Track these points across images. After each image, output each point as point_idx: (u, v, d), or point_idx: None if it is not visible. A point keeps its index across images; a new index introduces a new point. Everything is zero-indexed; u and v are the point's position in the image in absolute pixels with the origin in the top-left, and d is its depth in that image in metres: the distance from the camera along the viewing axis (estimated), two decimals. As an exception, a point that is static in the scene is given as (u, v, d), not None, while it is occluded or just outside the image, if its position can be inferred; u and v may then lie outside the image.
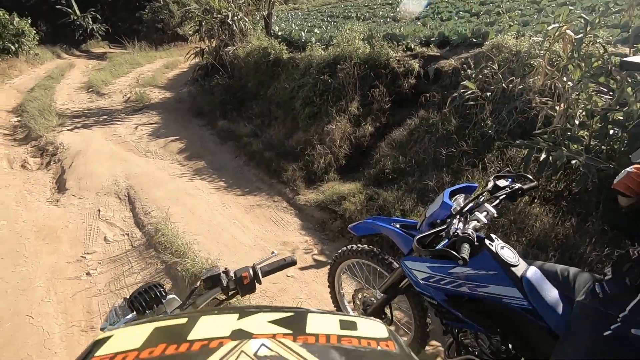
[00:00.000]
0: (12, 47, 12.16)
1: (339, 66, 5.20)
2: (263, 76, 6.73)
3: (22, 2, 19.53)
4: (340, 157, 4.49)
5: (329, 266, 2.17)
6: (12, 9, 13.38)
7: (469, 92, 3.74)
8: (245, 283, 1.01)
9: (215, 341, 0.46)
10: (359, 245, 2.01)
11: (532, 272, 1.35)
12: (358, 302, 2.07)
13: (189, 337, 0.47)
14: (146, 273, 2.89)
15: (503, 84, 3.73)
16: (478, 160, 3.35)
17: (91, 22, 19.38)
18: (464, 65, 4.32)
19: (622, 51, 3.67)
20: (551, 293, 1.30)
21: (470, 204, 1.50)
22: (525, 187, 1.59)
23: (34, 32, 13.26)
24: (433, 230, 1.35)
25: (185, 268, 2.74)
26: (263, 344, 0.45)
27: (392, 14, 10.11)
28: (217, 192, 4.30)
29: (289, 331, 0.49)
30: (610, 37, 4.03)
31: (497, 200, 1.52)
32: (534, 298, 1.29)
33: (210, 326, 0.50)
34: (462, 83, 3.77)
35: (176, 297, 1.02)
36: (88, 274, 2.87)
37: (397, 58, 5.13)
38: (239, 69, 7.43)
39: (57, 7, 18.66)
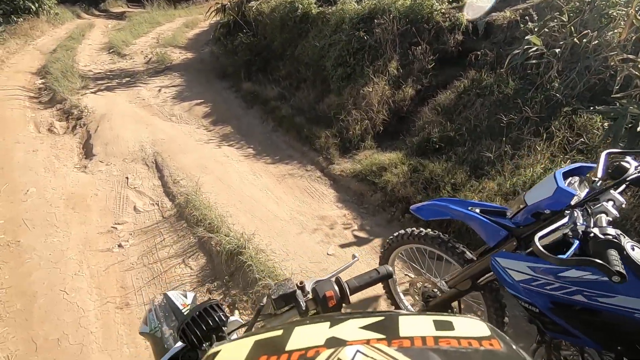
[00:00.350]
0: (33, 7, 11.89)
1: (375, 21, 4.67)
2: (290, 34, 6.23)
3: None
4: (377, 123, 4.13)
5: (381, 249, 1.93)
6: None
7: (532, 49, 3.24)
8: (330, 305, 0.75)
9: (311, 350, 0.46)
10: (422, 229, 1.74)
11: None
12: (416, 293, 1.84)
13: (287, 348, 0.48)
14: (179, 246, 2.75)
15: (574, 39, 3.20)
16: (543, 129, 2.94)
17: (109, -21, 18.71)
18: (525, 18, 3.74)
19: None
20: (702, 309, 1.00)
21: (580, 188, 1.18)
22: (656, 168, 1.25)
23: (52, -11, 12.90)
24: (555, 226, 1.05)
25: (219, 243, 2.57)
26: (358, 351, 0.45)
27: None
28: (246, 159, 4.07)
29: (383, 336, 0.48)
30: None
31: (623, 186, 1.19)
32: (679, 315, 1.00)
33: (305, 336, 0.51)
34: (526, 38, 3.26)
35: (238, 319, 0.79)
36: (120, 245, 2.76)
37: (442, 11, 4.56)
38: (264, 26, 6.92)
39: (74, -37, 18.05)
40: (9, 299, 2.24)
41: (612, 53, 3.03)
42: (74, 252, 2.65)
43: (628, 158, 1.24)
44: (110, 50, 9.24)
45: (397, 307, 1.99)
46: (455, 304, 1.66)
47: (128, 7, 18.80)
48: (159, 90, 6.30)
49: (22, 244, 2.70)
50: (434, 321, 0.52)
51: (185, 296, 1.17)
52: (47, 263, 2.53)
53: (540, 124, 2.99)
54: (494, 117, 3.26)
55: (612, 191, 1.14)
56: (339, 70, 4.88)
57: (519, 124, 3.08)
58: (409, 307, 1.96)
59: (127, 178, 3.66)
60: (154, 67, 7.70)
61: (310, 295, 0.77)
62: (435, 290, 1.70)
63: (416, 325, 0.51)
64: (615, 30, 3.13)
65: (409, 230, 1.77)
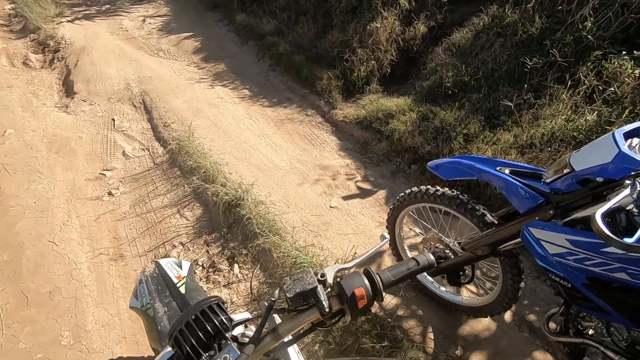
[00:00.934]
0: None
1: (387, -58, 4.07)
2: (288, -44, 5.51)
3: None
4: (384, 64, 3.79)
5: (391, 207, 1.79)
6: None
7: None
8: (361, 306, 0.60)
9: None
10: (438, 188, 1.59)
11: None
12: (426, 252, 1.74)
13: None
14: (173, 195, 2.60)
15: (616, -31, 2.79)
16: (569, 75, 2.67)
17: None
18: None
19: None
20: None
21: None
22: None
23: None
24: (617, 199, 0.89)
25: (216, 194, 2.42)
26: None
27: None
28: (241, 102, 3.78)
29: None
30: None
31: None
32: None
33: None
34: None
35: (246, 314, 0.65)
36: (110, 193, 2.61)
37: None
38: (258, -54, 6.10)
39: None
40: (-7, 250, 2.14)
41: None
42: (60, 201, 2.50)
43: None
44: (86, -28, 8.24)
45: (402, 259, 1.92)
46: (468, 269, 1.58)
47: None
48: (143, 21, 5.71)
49: (3, 191, 2.53)
50: None
51: (180, 266, 1.04)
52: (33, 212, 2.38)
53: (566, 69, 2.72)
54: (515, 60, 2.96)
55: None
56: (343, 1, 4.37)
57: (543, 69, 2.80)
58: None
59: (113, 120, 3.40)
60: (136, -8, 6.93)
61: (333, 290, 0.62)
62: (448, 251, 1.60)
63: None
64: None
65: (423, 188, 1.62)
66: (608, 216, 0.92)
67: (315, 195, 2.56)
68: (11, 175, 2.66)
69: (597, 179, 1.00)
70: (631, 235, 0.86)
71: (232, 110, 3.59)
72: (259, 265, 2.06)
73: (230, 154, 2.91)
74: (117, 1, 6.57)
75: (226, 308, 0.62)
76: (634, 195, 0.91)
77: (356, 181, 2.76)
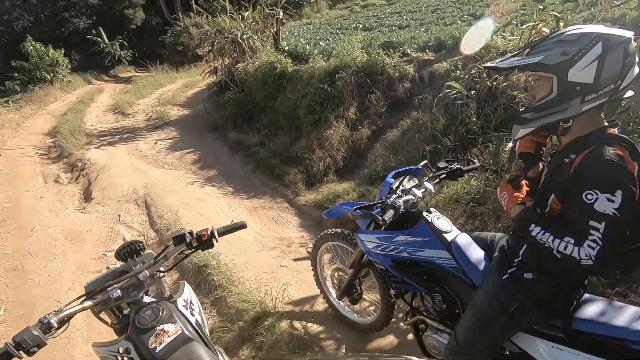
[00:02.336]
0: (48, 76, 13.29)
1: (337, 75, 5.50)
2: (270, 89, 7.11)
3: (56, 34, 21.29)
4: (338, 160, 4.76)
5: (311, 250, 2.42)
6: (48, 41, 14.68)
7: (454, 92, 3.93)
8: (204, 240, 1.29)
9: None
10: (333, 229, 2.26)
11: (462, 238, 1.57)
12: (335, 281, 2.31)
13: None
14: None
15: (488, 82, 3.91)
16: (462, 155, 3.53)
17: (119, 49, 20.73)
18: (453, 67, 4.51)
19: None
20: (476, 254, 1.51)
21: (407, 182, 1.74)
22: (464, 168, 1.82)
23: (67, 61, 14.43)
24: (368, 203, 1.60)
25: (192, 261, 3.06)
26: None
27: (398, 22, 10.42)
28: (225, 196, 4.65)
29: None
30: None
31: (438, 180, 1.76)
32: (460, 258, 1.51)
33: None
34: (446, 83, 3.97)
35: (152, 252, 1.32)
36: (108, 268, 3.25)
37: (393, 64, 5.38)
38: (249, 83, 7.86)
39: (88, 37, 20.17)
40: (13, 308, 2.71)
41: (517, 92, 3.73)
42: (68, 274, 3.14)
43: (446, 163, 1.82)
44: (116, 111, 10.25)
45: (323, 291, 2.43)
46: (357, 285, 2.14)
47: (135, 71, 20.60)
48: (155, 143, 7.07)
49: (26, 268, 3.21)
50: None
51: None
52: (46, 282, 3.02)
53: (460, 150, 3.59)
54: (431, 147, 3.87)
55: (426, 183, 1.70)
56: (308, 117, 5.63)
57: (445, 152, 3.68)
58: (332, 291, 2.40)
59: (119, 215, 4.23)
60: (154, 123, 8.57)
61: (195, 237, 1.31)
62: (343, 274, 2.18)
63: None
64: (519, 74, 3.84)
65: (325, 231, 2.29)
66: (383, 213, 1.58)
67: (270, 258, 3.17)
68: (33, 257, 3.37)
69: (383, 197, 1.70)
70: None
71: (216, 203, 4.43)
72: (215, 309, 2.58)
73: (208, 233, 3.62)
74: (137, 130, 8.15)
75: (142, 244, 1.29)
76: (384, 201, 1.59)
77: (307, 248, 3.38)
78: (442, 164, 1.82)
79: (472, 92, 3.90)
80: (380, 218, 1.42)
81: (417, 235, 1.60)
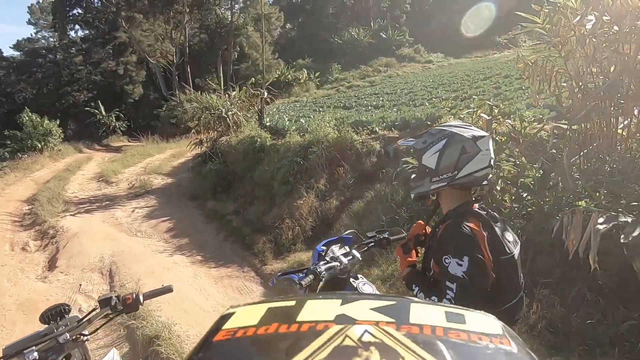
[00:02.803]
0: (39, 145, 13.66)
1: (310, 149, 5.91)
2: (250, 161, 7.49)
3: (56, 105, 22.38)
4: (307, 229, 4.89)
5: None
6: (46, 112, 15.40)
7: (410, 167, 4.27)
8: (128, 302, 1.37)
9: (321, 324, 0.47)
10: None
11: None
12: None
13: (298, 319, 0.49)
14: (109, 339, 3.12)
15: (441, 159, 4.27)
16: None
17: (114, 120, 21.67)
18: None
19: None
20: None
21: (338, 250, 1.89)
22: (391, 238, 1.99)
23: (60, 131, 14.96)
24: (295, 270, 1.72)
25: (144, 332, 2.99)
26: (366, 330, 0.45)
27: (374, 102, 11.42)
28: (192, 265, 4.64)
29: (392, 319, 0.49)
30: (541, 115, 4.63)
31: (366, 248, 1.91)
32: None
33: (316, 309, 0.52)
34: (403, 159, 4.32)
35: (77, 315, 1.38)
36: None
37: (361, 140, 5.84)
38: (231, 155, 8.27)
39: (86, 108, 21.21)
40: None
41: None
42: (11, 347, 2.99)
43: (376, 233, 1.99)
44: (100, 179, 10.43)
45: None
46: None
47: (128, 141, 21.25)
48: (133, 211, 7.14)
49: (-33, 341, 3.05)
50: (446, 312, 0.52)
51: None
52: (-15, 356, 2.86)
53: (416, 220, 3.79)
54: (388, 217, 4.07)
55: (354, 251, 1.85)
56: (282, 187, 5.89)
57: (402, 222, 3.88)
58: None
59: (80, 285, 4.14)
60: (135, 191, 8.71)
61: (120, 301, 1.39)
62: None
63: (427, 314, 0.51)
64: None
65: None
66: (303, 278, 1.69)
67: (226, 329, 3.11)
68: (-22, 329, 3.22)
69: (313, 264, 1.82)
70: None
71: (182, 272, 4.41)
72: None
73: (167, 303, 3.55)
74: (117, 198, 8.25)
75: (68, 307, 1.35)
76: (312, 267, 1.71)
77: (266, 318, 3.34)
78: (370, 234, 1.98)
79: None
80: (297, 282, 1.53)
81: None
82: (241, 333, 0.48)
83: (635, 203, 2.35)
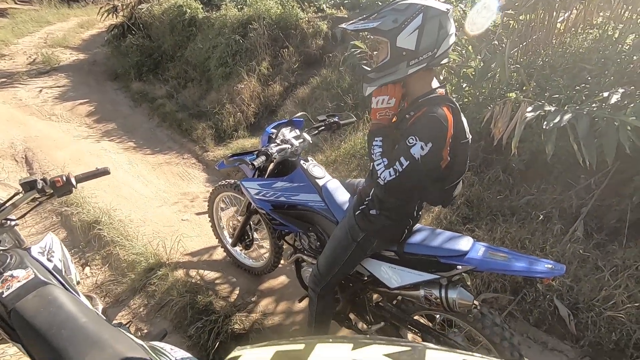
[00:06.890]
0: None
1: (250, 26, 5.27)
2: (179, 36, 6.54)
3: None
4: (249, 115, 4.70)
5: (208, 200, 2.45)
6: None
7: (358, 52, 4.08)
8: (58, 186, 1.25)
9: None
10: (227, 180, 2.31)
11: (332, 183, 1.74)
12: (231, 230, 2.41)
13: None
14: (41, 226, 2.97)
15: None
16: (362, 113, 3.75)
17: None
18: (361, 27, 4.62)
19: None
20: (342, 197, 1.70)
21: (288, 133, 1.85)
22: (341, 122, 1.98)
23: None
24: (245, 152, 1.68)
25: (81, 218, 2.87)
26: None
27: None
28: (125, 152, 4.33)
29: None
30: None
31: (317, 131, 1.89)
32: (329, 201, 1.68)
33: (326, 354, 0.50)
34: (352, 42, 4.08)
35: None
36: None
37: (307, 19, 5.31)
38: (155, 28, 7.10)
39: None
40: None
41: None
42: None
43: (326, 116, 1.95)
44: (-15, 50, 8.49)
45: (221, 241, 2.51)
46: (249, 232, 2.26)
47: (15, 2, 17.00)
48: (40, 91, 6.12)
49: None
50: None
51: None
52: None
53: (362, 109, 3.82)
54: (334, 104, 4.03)
55: (304, 134, 1.82)
56: (220, 70, 5.37)
57: (347, 109, 3.88)
58: (228, 238, 2.50)
59: (-9, 172, 3.69)
60: (38, 68, 7.33)
61: (47, 184, 1.26)
62: (237, 222, 2.28)
63: None
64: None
65: (219, 183, 2.33)
66: (255, 159, 1.66)
67: (171, 213, 3.13)
68: None
69: (264, 146, 1.79)
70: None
71: (114, 159, 4.11)
72: (107, 264, 2.52)
73: (102, 190, 3.39)
74: (16, 75, 6.92)
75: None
76: (264, 149, 1.68)
77: (212, 202, 3.39)
78: (321, 117, 1.95)
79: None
80: (249, 163, 1.51)
81: (294, 181, 1.74)
82: None
83: (557, 96, 2.57)
